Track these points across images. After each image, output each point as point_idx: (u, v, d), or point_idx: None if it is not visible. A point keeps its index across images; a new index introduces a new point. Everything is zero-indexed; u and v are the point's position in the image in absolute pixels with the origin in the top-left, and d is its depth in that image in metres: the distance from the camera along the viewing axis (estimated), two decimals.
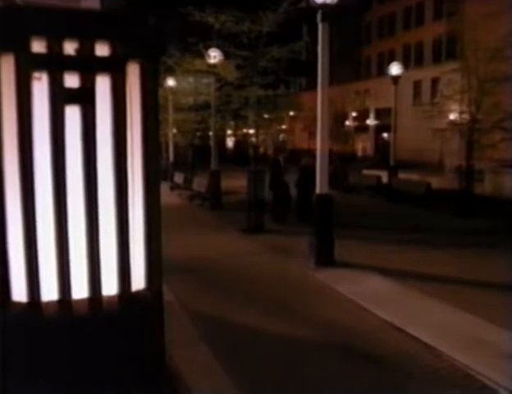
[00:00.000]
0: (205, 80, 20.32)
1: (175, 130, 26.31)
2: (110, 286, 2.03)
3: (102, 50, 1.90)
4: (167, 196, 17.42)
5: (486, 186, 17.70)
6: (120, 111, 1.94)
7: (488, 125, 14.05)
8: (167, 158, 24.69)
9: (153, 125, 2.02)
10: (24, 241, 1.92)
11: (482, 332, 5.38)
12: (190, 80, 23.67)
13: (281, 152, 12.49)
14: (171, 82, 23.24)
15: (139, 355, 2.08)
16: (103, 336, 2.01)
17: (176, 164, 24.28)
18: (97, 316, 2.00)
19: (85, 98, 1.89)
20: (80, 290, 2.00)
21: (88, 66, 1.89)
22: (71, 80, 1.89)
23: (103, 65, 1.91)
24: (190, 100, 24.88)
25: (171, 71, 22.40)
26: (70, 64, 1.87)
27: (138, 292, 2.08)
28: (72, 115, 1.91)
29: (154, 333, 2.13)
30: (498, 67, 13.88)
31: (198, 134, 27.51)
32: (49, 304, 1.97)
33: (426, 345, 5.09)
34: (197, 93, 23.53)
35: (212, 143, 16.88)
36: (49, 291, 1.96)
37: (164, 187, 17.46)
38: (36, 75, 1.85)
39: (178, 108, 24.73)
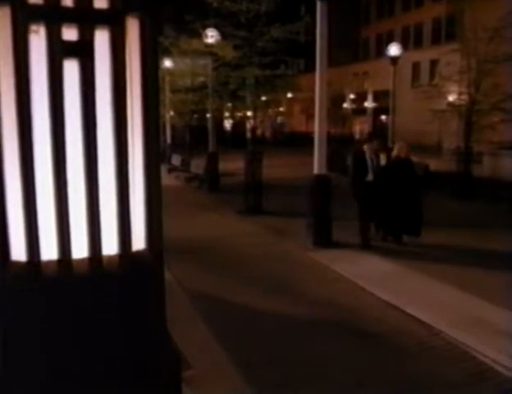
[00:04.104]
0: (202, 61, 20.14)
1: (172, 113, 26.15)
2: (110, 246, 2.01)
3: (100, 2, 1.85)
4: (165, 178, 17.35)
5: (484, 168, 17.67)
6: (119, 66, 1.90)
7: (487, 107, 13.98)
8: (165, 140, 24.57)
9: (152, 83, 1.98)
10: (22, 200, 1.89)
11: (481, 311, 5.41)
12: (187, 61, 23.47)
13: (370, 140, 8.67)
14: (167, 63, 23.05)
15: (140, 315, 2.07)
16: (104, 296, 2.00)
17: (173, 146, 24.19)
18: (97, 275, 1.99)
19: (84, 51, 1.84)
20: (80, 249, 1.98)
21: (86, 18, 1.85)
22: (69, 33, 1.84)
23: (102, 17, 1.87)
24: (187, 81, 24.70)
25: (167, 53, 22.19)
26: (68, 16, 1.83)
27: (138, 252, 2.06)
28: (71, 69, 1.86)
29: (155, 294, 2.12)
30: (498, 48, 13.77)
31: (196, 116, 27.35)
32: (49, 263, 1.95)
33: (424, 323, 5.11)
34: (194, 74, 23.35)
35: (209, 125, 16.79)
36: (49, 251, 1.94)
37: (162, 169, 17.36)
38: (33, 27, 1.81)
39: (175, 89, 24.55)
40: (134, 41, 1.91)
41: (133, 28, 1.91)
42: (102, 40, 1.86)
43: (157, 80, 2.01)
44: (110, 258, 2.00)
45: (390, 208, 8.42)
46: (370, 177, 8.23)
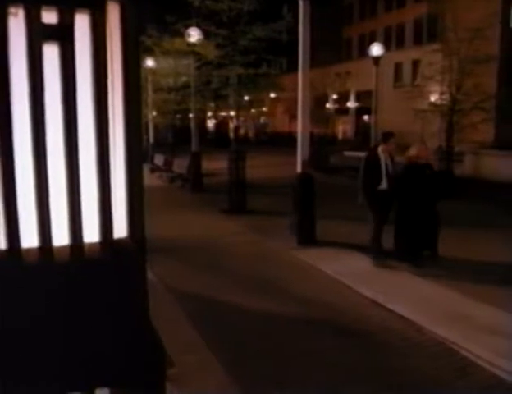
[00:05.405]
0: (185, 62, 20.03)
1: (154, 112, 25.99)
2: (91, 234, 1.97)
3: None
4: (148, 178, 17.24)
5: (466, 167, 17.86)
6: (99, 51, 1.85)
7: (468, 106, 14.12)
8: (147, 140, 24.40)
9: (133, 69, 1.93)
10: (2, 188, 1.84)
11: (464, 307, 5.43)
12: (170, 60, 23.31)
13: (385, 140, 7.20)
14: (150, 62, 22.89)
15: (122, 302, 2.03)
16: (86, 284, 1.96)
17: (156, 146, 24.03)
18: (79, 262, 1.94)
19: (64, 35, 1.79)
20: (61, 237, 1.93)
21: (66, 1, 1.79)
22: (49, 17, 1.78)
23: (82, 1, 1.82)
24: (170, 81, 24.54)
25: (149, 52, 22.02)
26: None
27: (120, 240, 2.02)
28: (50, 53, 1.81)
29: (137, 281, 2.08)
30: (479, 48, 13.93)
31: (179, 116, 27.21)
32: (29, 250, 1.90)
33: (408, 320, 5.12)
34: (176, 73, 23.21)
35: (192, 124, 16.70)
36: (29, 238, 1.89)
37: (144, 169, 17.25)
38: (12, 10, 1.75)
39: (157, 89, 24.39)
40: (115, 26, 1.86)
41: (113, 12, 1.86)
42: (82, 24, 1.81)
43: (138, 66, 1.96)
44: (91, 245, 1.96)
45: (406, 223, 7.21)
46: (384, 186, 7.08)
